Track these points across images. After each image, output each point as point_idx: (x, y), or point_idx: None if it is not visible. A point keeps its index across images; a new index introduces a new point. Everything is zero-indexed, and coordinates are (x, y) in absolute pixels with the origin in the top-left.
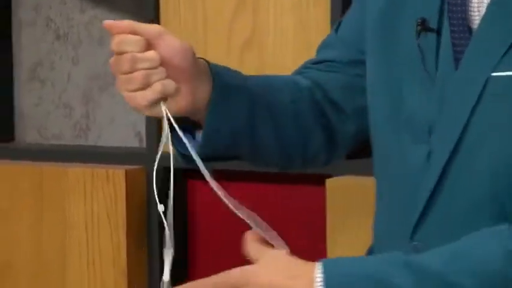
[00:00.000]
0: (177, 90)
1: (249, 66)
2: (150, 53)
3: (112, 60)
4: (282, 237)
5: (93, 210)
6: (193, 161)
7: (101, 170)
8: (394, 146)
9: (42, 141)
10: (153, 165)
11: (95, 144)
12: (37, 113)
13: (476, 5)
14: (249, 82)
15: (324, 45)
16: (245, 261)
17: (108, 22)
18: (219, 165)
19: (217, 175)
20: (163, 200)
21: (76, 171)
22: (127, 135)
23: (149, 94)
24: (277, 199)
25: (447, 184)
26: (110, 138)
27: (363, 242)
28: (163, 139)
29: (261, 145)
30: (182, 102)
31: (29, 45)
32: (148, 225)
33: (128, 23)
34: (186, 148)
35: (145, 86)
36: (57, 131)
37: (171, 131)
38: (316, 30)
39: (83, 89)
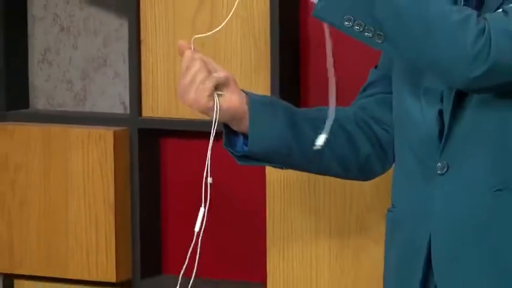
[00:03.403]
0: (227, 85)
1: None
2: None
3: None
4: None
5: (89, 162)
6: (248, 160)
7: (95, 131)
8: (414, 107)
9: (49, 108)
10: (134, 127)
11: (90, 111)
12: (46, 87)
13: None
14: (288, 106)
15: (369, 78)
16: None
17: (186, 49)
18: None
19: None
20: (146, 160)
21: (76, 131)
22: (114, 104)
23: (207, 82)
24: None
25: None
26: (102, 106)
27: None
28: (214, 125)
29: (313, 156)
30: (233, 98)
31: (39, 35)
32: (131, 172)
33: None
34: (239, 148)
35: (203, 81)
36: (61, 101)
37: (226, 137)
38: None
39: (81, 69)
